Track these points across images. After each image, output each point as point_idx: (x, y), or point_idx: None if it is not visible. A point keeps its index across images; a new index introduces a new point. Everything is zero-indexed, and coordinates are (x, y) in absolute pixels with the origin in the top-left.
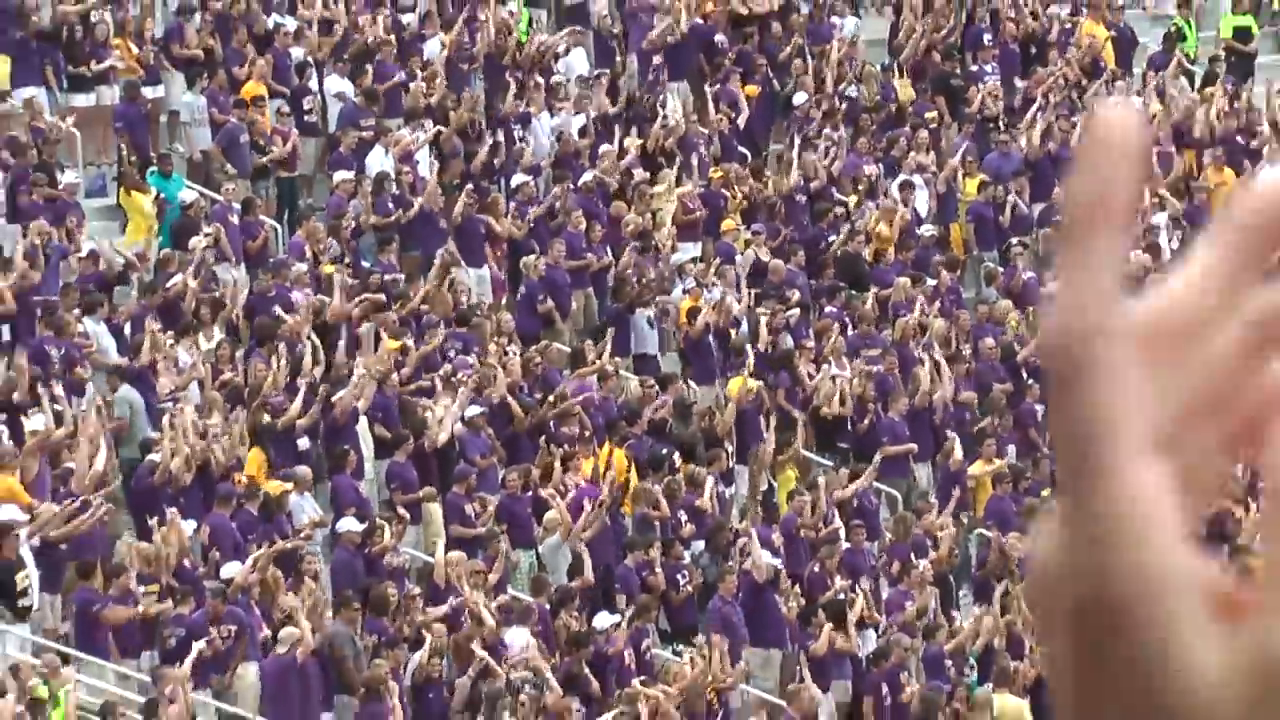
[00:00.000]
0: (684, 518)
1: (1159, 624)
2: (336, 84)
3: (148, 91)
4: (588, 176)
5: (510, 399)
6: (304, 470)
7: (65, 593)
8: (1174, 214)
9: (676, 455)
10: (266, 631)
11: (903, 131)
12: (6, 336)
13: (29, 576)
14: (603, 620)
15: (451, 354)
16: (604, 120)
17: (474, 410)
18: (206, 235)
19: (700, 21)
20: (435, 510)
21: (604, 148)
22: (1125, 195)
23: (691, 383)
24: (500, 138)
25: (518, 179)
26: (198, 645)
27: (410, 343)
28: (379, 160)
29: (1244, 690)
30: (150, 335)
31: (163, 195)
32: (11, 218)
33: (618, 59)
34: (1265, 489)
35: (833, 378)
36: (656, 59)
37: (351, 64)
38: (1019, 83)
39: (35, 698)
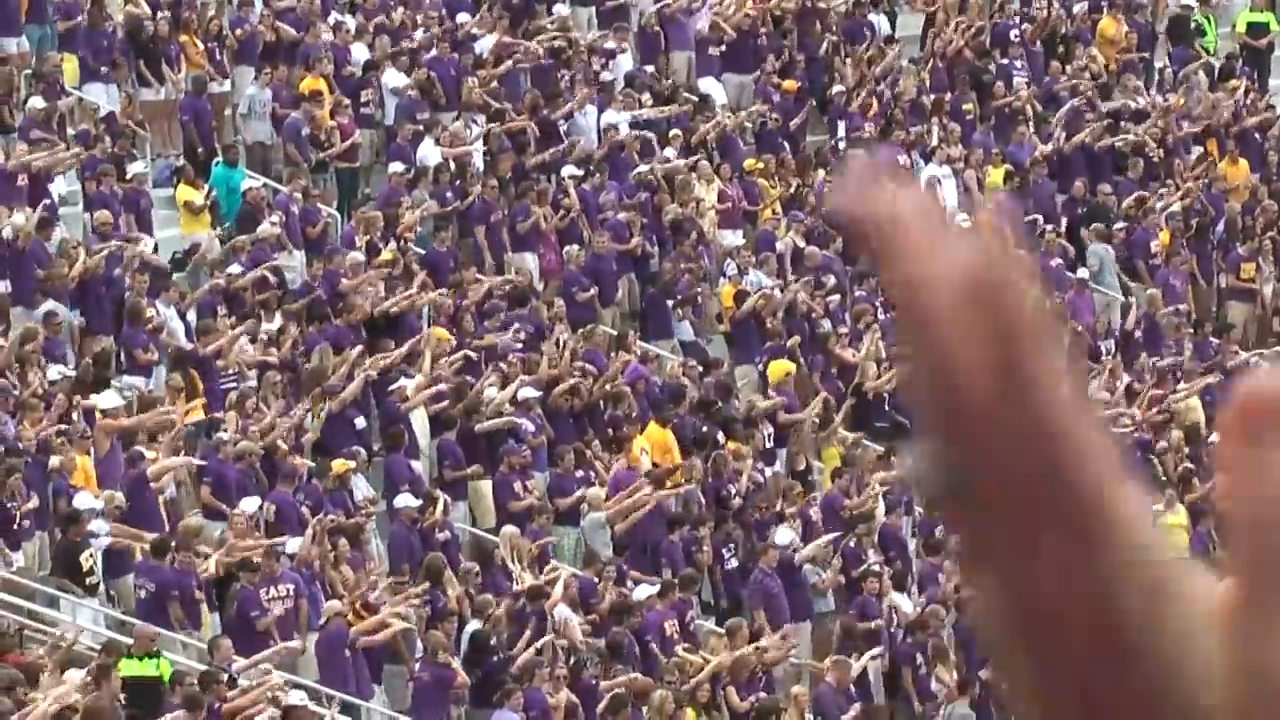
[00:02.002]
0: (732, 491)
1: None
2: (394, 79)
3: (214, 86)
4: (642, 169)
5: (572, 377)
6: (362, 451)
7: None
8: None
9: (720, 434)
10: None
11: (934, 124)
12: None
13: (94, 555)
14: (641, 592)
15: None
16: (649, 116)
17: (526, 392)
18: (272, 224)
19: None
20: (485, 488)
21: (647, 137)
22: None
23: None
24: (550, 134)
25: (567, 170)
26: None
27: (467, 321)
28: (430, 152)
29: (1240, 691)
30: (216, 320)
31: (214, 191)
32: (85, 206)
33: (662, 57)
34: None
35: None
36: (711, 50)
37: (408, 60)
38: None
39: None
